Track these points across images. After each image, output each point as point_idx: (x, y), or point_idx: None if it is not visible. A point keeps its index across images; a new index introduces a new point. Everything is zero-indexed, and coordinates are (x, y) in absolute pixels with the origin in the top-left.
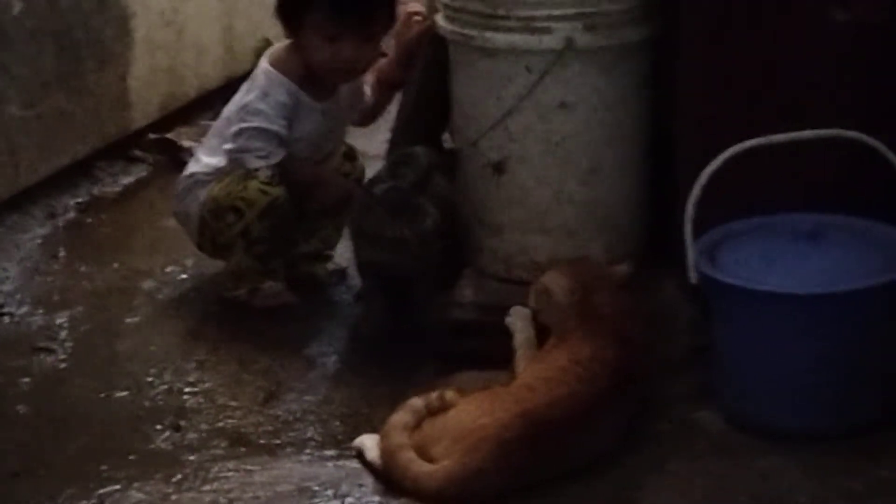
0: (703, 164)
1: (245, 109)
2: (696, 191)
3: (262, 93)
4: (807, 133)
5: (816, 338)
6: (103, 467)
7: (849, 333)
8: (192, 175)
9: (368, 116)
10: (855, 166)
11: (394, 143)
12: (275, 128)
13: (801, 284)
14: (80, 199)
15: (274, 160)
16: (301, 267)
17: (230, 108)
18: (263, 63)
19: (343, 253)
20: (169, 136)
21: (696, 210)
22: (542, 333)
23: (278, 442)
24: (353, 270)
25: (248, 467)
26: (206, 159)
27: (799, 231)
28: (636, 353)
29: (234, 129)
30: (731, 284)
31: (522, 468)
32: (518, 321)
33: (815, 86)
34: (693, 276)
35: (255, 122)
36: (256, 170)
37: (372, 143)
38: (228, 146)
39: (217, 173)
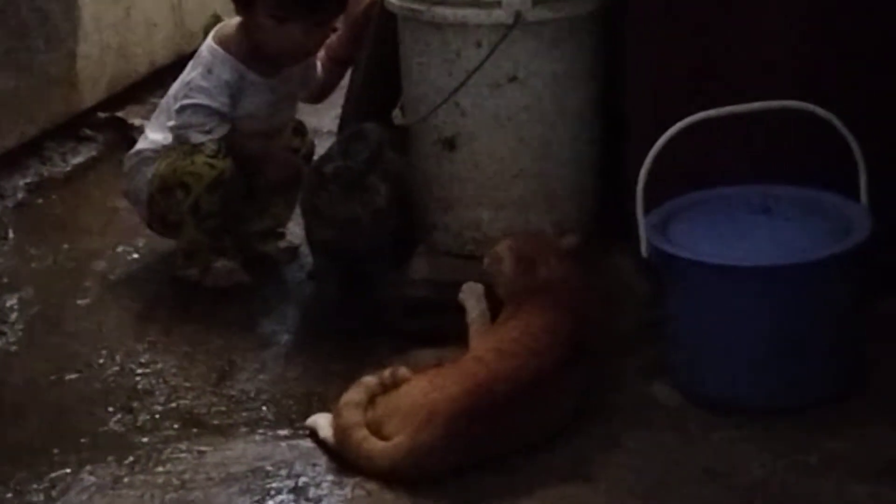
0: (654, 138)
1: (188, 86)
2: (646, 164)
3: (205, 70)
4: (756, 105)
5: (768, 310)
6: (55, 451)
7: (800, 306)
8: (139, 152)
9: (319, 93)
10: (805, 138)
11: (344, 120)
12: (216, 105)
13: (751, 257)
14: (29, 180)
15: (216, 135)
16: (253, 245)
17: (175, 86)
18: (209, 40)
19: (295, 231)
20: (119, 114)
21: (647, 183)
22: (495, 308)
23: (231, 422)
24: (305, 248)
25: (201, 448)
26: (152, 136)
27: (750, 203)
28: (588, 326)
29: (177, 105)
30: (681, 257)
31: (475, 443)
32: (471, 297)
33: (764, 58)
34: (644, 250)
35: (197, 99)
36: (202, 144)
37: (323, 120)
38: (171, 123)
39: (163, 150)
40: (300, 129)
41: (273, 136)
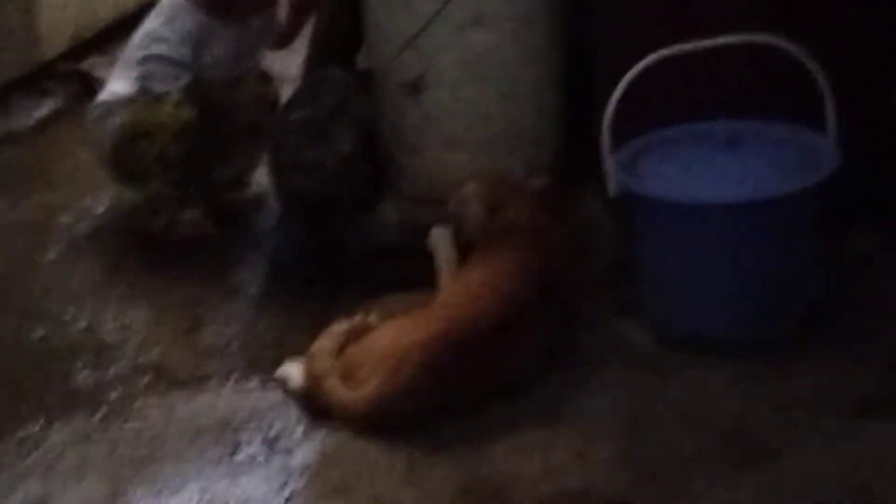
0: (620, 76)
1: (150, 36)
2: (613, 103)
3: (167, 19)
4: (723, 39)
5: (736, 246)
6: (23, 408)
7: (769, 241)
8: (102, 104)
9: (283, 39)
10: (772, 72)
11: (309, 66)
12: (178, 55)
13: (719, 193)
14: None
15: (179, 85)
16: (219, 195)
17: (138, 35)
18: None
19: (262, 179)
20: (82, 66)
21: (614, 122)
22: (464, 251)
23: (201, 374)
24: (272, 197)
25: (171, 401)
26: (115, 87)
27: (718, 139)
28: (557, 267)
29: (139, 55)
30: (648, 195)
31: (447, 386)
32: (439, 241)
33: None
34: (612, 189)
35: (159, 49)
36: (167, 94)
37: (287, 67)
38: (134, 73)
39: (127, 101)
40: (265, 77)
41: (237, 84)
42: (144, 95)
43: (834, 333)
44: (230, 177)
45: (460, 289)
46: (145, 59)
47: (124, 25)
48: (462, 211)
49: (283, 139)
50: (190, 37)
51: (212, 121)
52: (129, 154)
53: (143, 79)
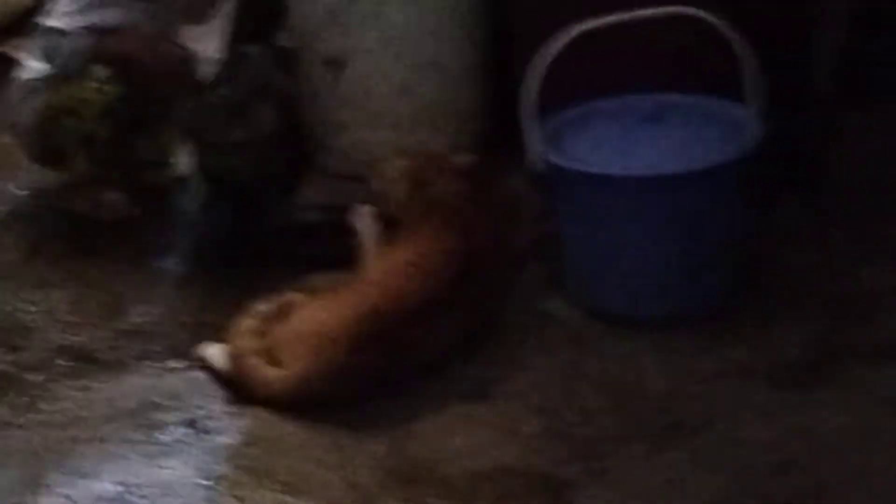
0: (542, 50)
1: (55, 10)
2: (535, 75)
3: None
4: (645, 12)
5: (660, 220)
6: None
7: (693, 213)
8: (24, 83)
9: (198, 12)
10: (695, 44)
11: (229, 44)
12: (79, 26)
13: (642, 166)
14: None
15: (80, 58)
16: (141, 176)
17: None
18: None
19: (185, 160)
20: (2, 48)
21: (536, 96)
22: (388, 229)
23: (122, 356)
24: (195, 177)
25: (92, 384)
26: (35, 65)
27: (641, 112)
28: (482, 244)
29: (44, 26)
30: (570, 169)
31: (372, 365)
32: (362, 219)
33: None
34: (535, 163)
35: (60, 23)
36: (91, 70)
37: (208, 46)
38: (40, 47)
39: (50, 79)
40: (188, 59)
41: (158, 60)
42: (67, 73)
43: (760, 306)
44: (153, 157)
45: (385, 267)
46: (47, 32)
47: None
48: (385, 188)
49: (204, 119)
50: (90, 8)
51: (135, 100)
52: (53, 133)
53: (46, 51)
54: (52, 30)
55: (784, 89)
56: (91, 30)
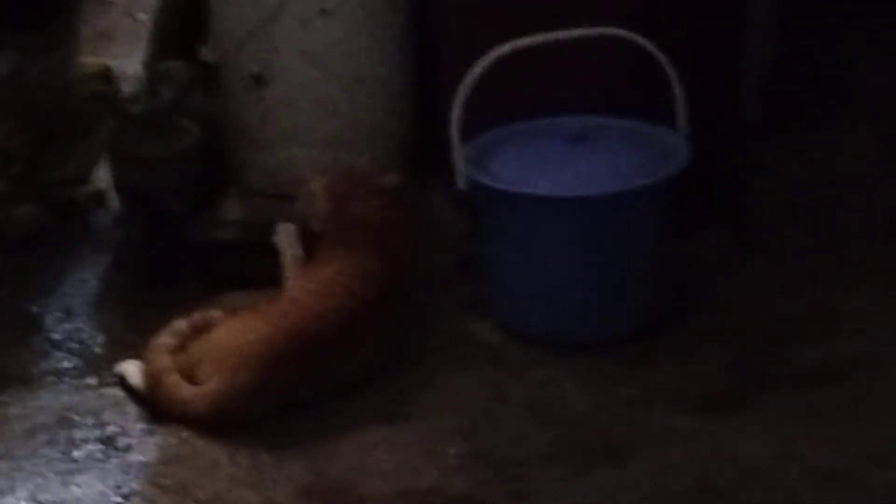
0: (469, 69)
1: None
2: (461, 96)
3: None
4: (573, 32)
5: (583, 242)
6: None
7: (615, 237)
8: None
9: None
10: (624, 67)
11: (149, 60)
12: None
13: (567, 188)
14: None
15: None
16: (57, 192)
17: None
18: None
19: (101, 175)
20: None
21: (463, 116)
22: (310, 249)
23: (36, 372)
24: (112, 193)
25: (3, 400)
26: None
27: (567, 134)
28: (404, 265)
29: None
30: (494, 189)
31: (290, 385)
32: (284, 238)
33: None
34: (460, 183)
35: None
36: None
37: (129, 62)
38: None
39: None
40: (106, 75)
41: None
42: None
43: (683, 332)
44: (69, 173)
45: (305, 286)
46: None
47: None
48: (309, 207)
49: (122, 134)
50: None
51: (47, 116)
52: None
53: None
54: None
55: (710, 116)
56: None
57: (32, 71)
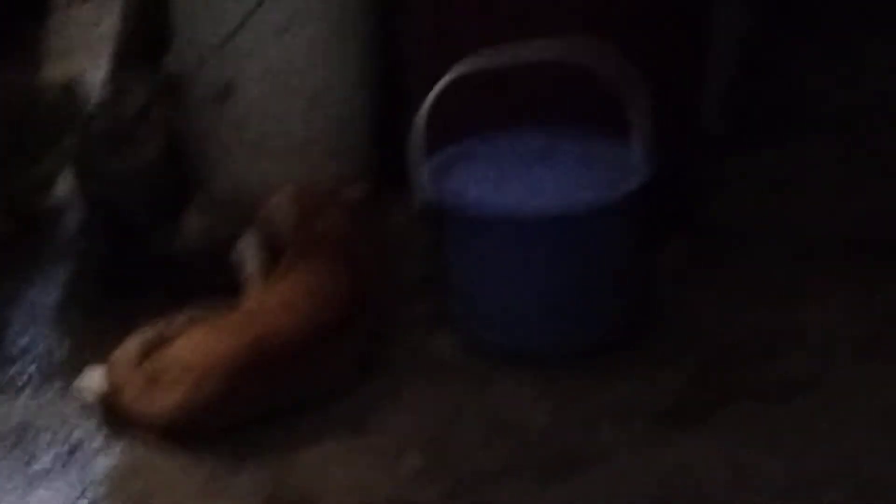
0: (432, 84)
1: None
2: (423, 113)
3: None
4: (533, 52)
5: (543, 259)
6: None
7: (575, 253)
8: None
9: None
10: (586, 83)
11: (112, 72)
12: None
13: (528, 204)
14: None
15: None
16: (21, 202)
17: None
18: None
19: (65, 185)
20: None
21: (425, 132)
22: (272, 260)
23: None
24: (76, 203)
25: None
26: None
27: (528, 150)
28: (366, 279)
29: None
30: (455, 207)
31: (253, 397)
32: (247, 250)
33: None
34: (421, 199)
35: None
36: None
37: (93, 75)
38: None
39: None
40: (68, 88)
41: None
42: None
43: (644, 346)
44: (33, 182)
45: (268, 299)
46: None
47: None
48: (273, 219)
49: (84, 146)
50: None
51: (11, 127)
52: None
53: None
54: None
55: (673, 130)
56: None
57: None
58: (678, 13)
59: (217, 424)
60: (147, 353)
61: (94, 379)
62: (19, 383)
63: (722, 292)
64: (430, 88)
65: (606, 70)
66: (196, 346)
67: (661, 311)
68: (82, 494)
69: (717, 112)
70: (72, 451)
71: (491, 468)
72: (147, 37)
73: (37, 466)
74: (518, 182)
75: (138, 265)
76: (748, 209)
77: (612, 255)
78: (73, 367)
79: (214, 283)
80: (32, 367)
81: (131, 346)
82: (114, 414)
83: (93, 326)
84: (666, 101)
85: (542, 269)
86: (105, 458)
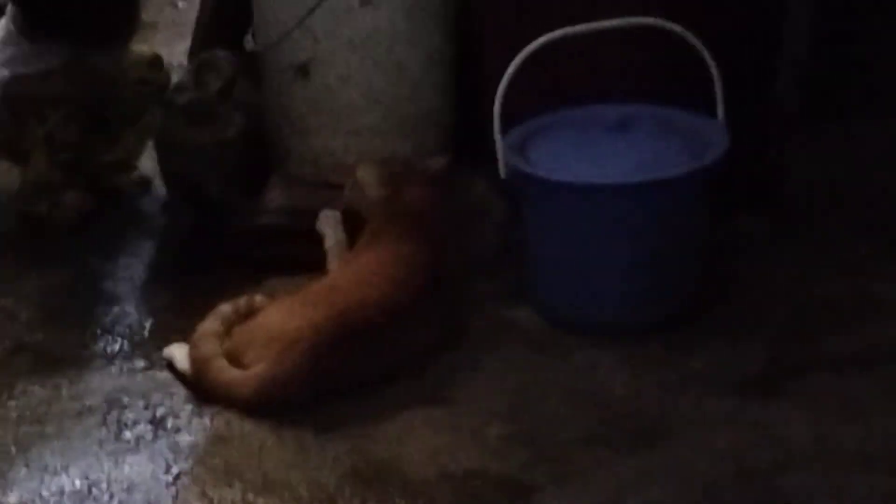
0: (510, 57)
1: None
2: (503, 85)
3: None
4: (613, 22)
5: (624, 229)
6: None
7: (656, 223)
8: None
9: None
10: (662, 55)
11: (195, 49)
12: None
13: (608, 175)
14: None
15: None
16: (104, 178)
17: None
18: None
19: (147, 163)
20: None
21: (504, 104)
22: (353, 235)
23: (86, 355)
24: (158, 180)
25: (56, 382)
26: None
27: (607, 122)
28: (447, 253)
29: None
30: (537, 176)
31: (335, 371)
32: (328, 224)
33: None
34: (502, 171)
35: None
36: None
37: (174, 51)
38: None
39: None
40: (155, 62)
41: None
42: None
43: (721, 316)
44: (116, 159)
45: (351, 273)
46: None
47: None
48: (358, 193)
49: (167, 123)
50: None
51: (98, 103)
52: (15, 131)
53: None
54: None
55: (748, 103)
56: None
57: (89, 60)
58: None
59: (301, 397)
60: (231, 326)
61: (178, 353)
62: (108, 357)
63: (797, 263)
64: (508, 61)
65: (683, 42)
66: (279, 319)
67: (737, 282)
68: (171, 464)
69: (791, 88)
70: (160, 423)
71: (572, 438)
72: (229, 14)
73: (126, 437)
74: (597, 153)
75: (220, 240)
76: (822, 183)
77: (691, 225)
78: (159, 341)
79: (295, 258)
80: (120, 342)
81: (215, 320)
82: (199, 387)
83: (177, 301)
84: (740, 76)
85: (622, 240)
86: (192, 429)
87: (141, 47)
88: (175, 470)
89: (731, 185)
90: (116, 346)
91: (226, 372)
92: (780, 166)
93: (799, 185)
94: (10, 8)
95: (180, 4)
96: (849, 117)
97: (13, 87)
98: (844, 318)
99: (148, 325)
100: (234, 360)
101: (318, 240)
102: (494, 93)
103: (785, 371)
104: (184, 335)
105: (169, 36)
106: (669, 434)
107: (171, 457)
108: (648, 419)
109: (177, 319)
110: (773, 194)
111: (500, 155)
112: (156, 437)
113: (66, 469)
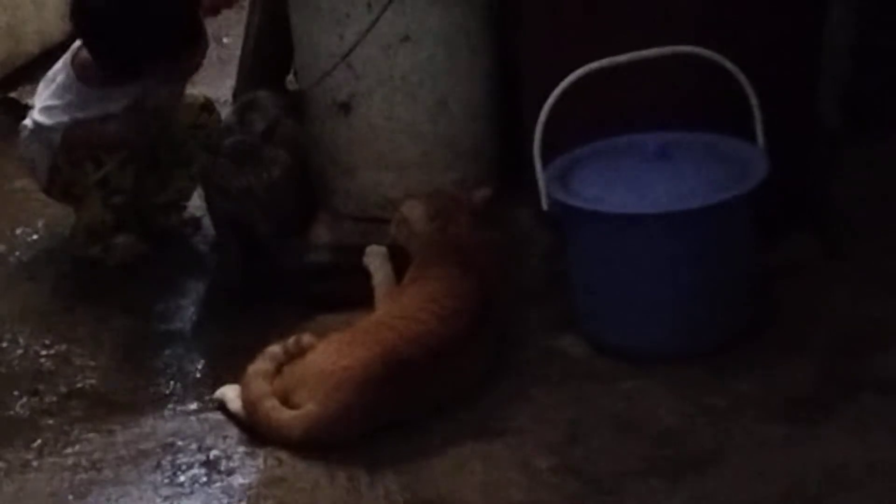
0: (550, 88)
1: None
2: (543, 116)
3: (60, 89)
4: (651, 51)
5: (668, 257)
6: None
7: (700, 250)
8: (36, 122)
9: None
10: (700, 83)
11: (238, 89)
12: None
13: (650, 204)
14: None
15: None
16: (155, 218)
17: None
18: (68, 58)
19: (197, 203)
20: (12, 95)
21: (545, 136)
22: (399, 270)
23: (139, 399)
24: (208, 220)
25: (110, 427)
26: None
27: (647, 150)
28: (494, 285)
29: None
30: (580, 207)
31: (385, 407)
32: (375, 260)
33: (658, 3)
34: (544, 202)
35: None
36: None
37: (219, 90)
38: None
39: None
40: (208, 107)
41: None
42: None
43: (768, 341)
44: (167, 200)
45: (398, 309)
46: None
47: (52, 53)
48: (404, 229)
49: (213, 164)
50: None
51: (152, 147)
52: (70, 173)
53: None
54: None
55: (789, 124)
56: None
57: (146, 105)
58: (792, 8)
59: (352, 434)
60: (281, 366)
61: (230, 394)
62: (161, 400)
63: (843, 283)
64: (548, 92)
65: (721, 68)
66: (328, 358)
67: (784, 304)
68: None
69: (832, 105)
70: (213, 465)
71: (623, 468)
72: (269, 53)
73: (181, 481)
74: (639, 181)
75: (269, 278)
76: (866, 201)
77: (735, 251)
78: (212, 382)
79: (343, 294)
80: (172, 384)
81: (265, 360)
82: (251, 427)
83: (228, 340)
84: (782, 96)
85: (664, 267)
86: (245, 470)
87: (192, 90)
88: None
89: (775, 206)
90: (169, 389)
91: (276, 412)
92: (824, 185)
93: (843, 204)
94: (69, 56)
95: (225, 40)
96: (891, 134)
97: (72, 131)
98: (892, 339)
99: (200, 366)
100: (285, 399)
101: (365, 275)
102: (535, 122)
103: (834, 393)
104: (235, 376)
105: (216, 73)
106: (720, 460)
107: (225, 500)
108: (699, 446)
109: (228, 359)
110: (817, 214)
111: (541, 186)
112: (210, 480)
113: None
